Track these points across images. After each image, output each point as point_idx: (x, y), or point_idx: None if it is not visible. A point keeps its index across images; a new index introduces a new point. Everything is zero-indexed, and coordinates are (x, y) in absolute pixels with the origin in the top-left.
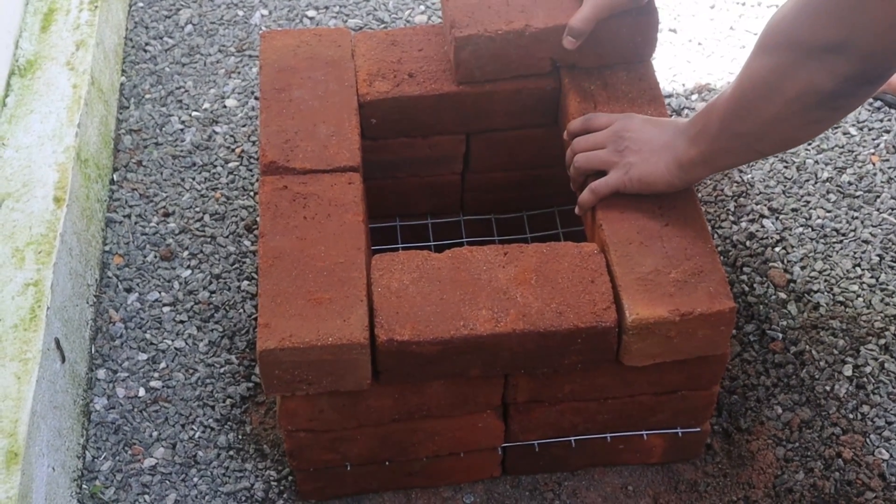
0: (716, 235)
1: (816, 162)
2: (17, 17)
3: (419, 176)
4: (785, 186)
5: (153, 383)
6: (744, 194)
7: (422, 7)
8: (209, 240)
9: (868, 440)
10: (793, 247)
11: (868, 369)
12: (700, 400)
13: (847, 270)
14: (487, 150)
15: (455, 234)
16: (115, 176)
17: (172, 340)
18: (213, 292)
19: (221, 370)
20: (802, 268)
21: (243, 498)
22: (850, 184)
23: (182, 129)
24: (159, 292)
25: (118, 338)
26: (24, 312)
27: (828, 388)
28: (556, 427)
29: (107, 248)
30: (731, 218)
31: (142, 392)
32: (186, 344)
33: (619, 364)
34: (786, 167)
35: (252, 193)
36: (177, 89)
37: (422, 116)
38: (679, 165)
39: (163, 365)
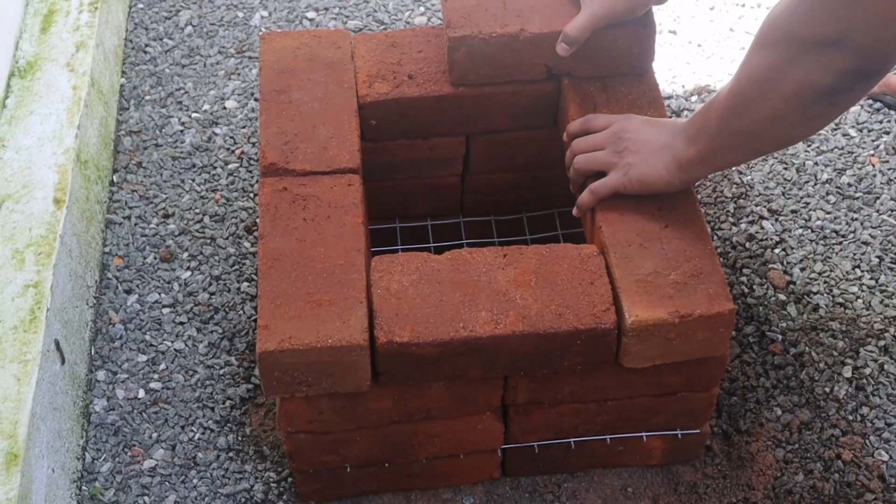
0: (715, 237)
1: (816, 163)
2: (17, 18)
3: (419, 177)
4: (784, 188)
5: (153, 385)
6: (743, 196)
7: (422, 8)
8: (209, 241)
9: (868, 442)
10: (792, 248)
11: (868, 371)
12: (700, 402)
13: (847, 272)
14: (487, 152)
15: (455, 236)
16: (114, 177)
17: (172, 342)
18: (212, 294)
19: (221, 372)
20: (802, 269)
21: (243, 499)
22: (849, 185)
23: (182, 131)
24: (159, 294)
25: (118, 339)
26: (24, 314)
27: (827, 389)
28: (556, 429)
29: (106, 250)
30: (731, 219)
31: (141, 393)
32: (186, 345)
33: (619, 366)
34: (785, 169)
35: (252, 195)
36: (177, 91)
37: (421, 118)
38: (678, 165)
39: (162, 366)
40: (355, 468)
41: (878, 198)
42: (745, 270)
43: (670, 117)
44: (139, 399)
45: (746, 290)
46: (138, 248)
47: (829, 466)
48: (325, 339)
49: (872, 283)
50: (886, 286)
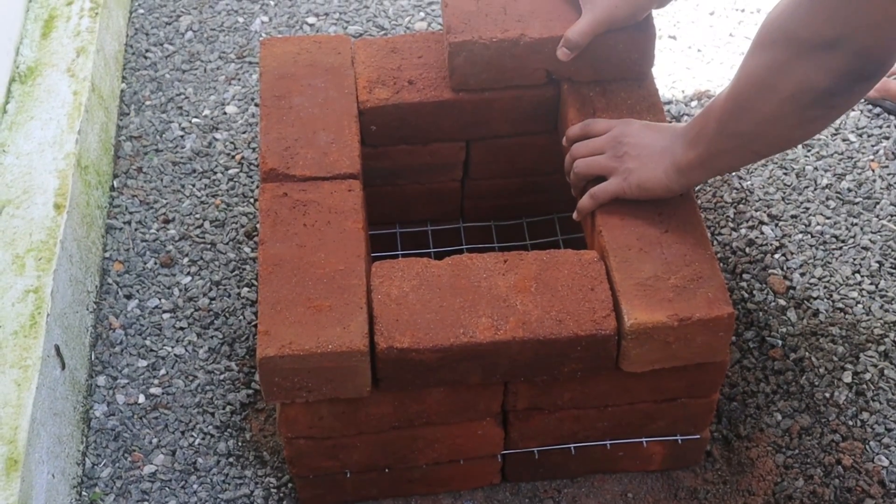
0: (715, 242)
1: (816, 168)
2: (18, 23)
3: (419, 183)
4: (784, 193)
5: (153, 390)
6: (743, 201)
7: (422, 14)
8: (209, 246)
9: (868, 447)
10: (792, 253)
11: (867, 376)
12: (700, 407)
13: (846, 277)
14: (487, 157)
15: (455, 241)
16: (115, 182)
17: (172, 347)
18: (213, 299)
19: (221, 377)
20: (802, 274)
21: None
22: (849, 190)
23: (182, 136)
24: (159, 299)
25: (118, 344)
26: (25, 319)
27: (827, 394)
28: (556, 434)
29: (107, 255)
30: (731, 224)
31: (142, 399)
32: (186, 350)
33: (619, 371)
34: (785, 174)
35: (252, 200)
36: (177, 96)
37: (421, 123)
38: (677, 169)
39: (163, 371)
40: (355, 474)
41: (877, 203)
42: (745, 275)
43: (669, 122)
44: (139, 404)
45: (746, 296)
46: (139, 253)
47: (830, 472)
48: (326, 345)
49: (872, 288)
50: (886, 291)
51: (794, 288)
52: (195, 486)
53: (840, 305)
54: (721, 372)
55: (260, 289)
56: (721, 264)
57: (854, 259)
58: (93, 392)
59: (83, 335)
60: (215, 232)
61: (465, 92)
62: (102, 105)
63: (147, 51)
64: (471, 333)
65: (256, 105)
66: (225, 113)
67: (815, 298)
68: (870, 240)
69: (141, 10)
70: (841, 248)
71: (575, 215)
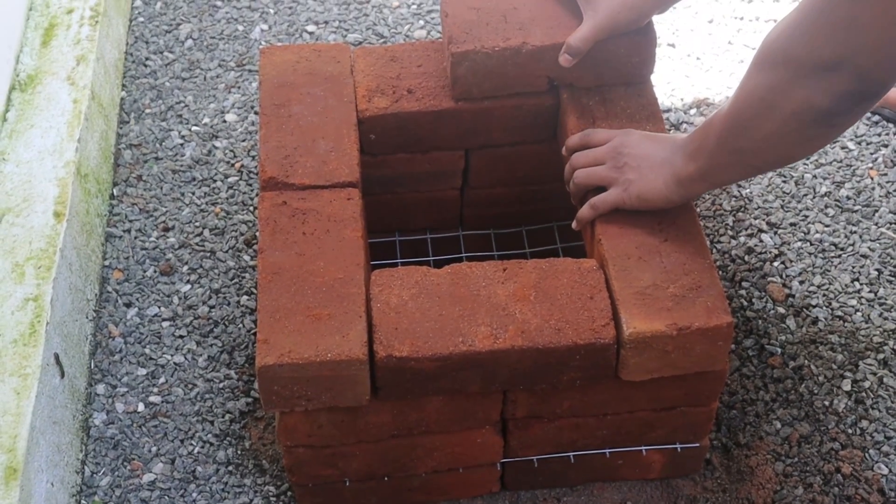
0: (714, 250)
1: (815, 176)
2: (18, 31)
3: (418, 191)
4: (783, 201)
5: (152, 398)
6: (742, 209)
7: (421, 22)
8: (209, 255)
9: (867, 455)
10: (791, 261)
11: (867, 384)
12: (699, 415)
13: (845, 285)
14: (486, 166)
15: (454, 250)
16: (115, 191)
17: (172, 355)
18: (212, 307)
19: (220, 385)
20: (801, 282)
21: None
22: (848, 198)
23: (182, 144)
24: (159, 307)
25: (117, 353)
26: (24, 327)
27: (827, 402)
28: (555, 443)
29: (106, 263)
30: (730, 233)
31: (141, 407)
32: (186, 359)
33: (618, 380)
34: (784, 182)
35: (252, 208)
36: (177, 104)
37: (421, 132)
38: (677, 181)
39: (162, 380)
40: (354, 482)
41: (876, 211)
42: (744, 283)
43: (669, 131)
44: (138, 413)
45: (745, 304)
46: (138, 261)
47: (829, 480)
48: (325, 354)
49: (871, 296)
50: (885, 299)
51: (793, 296)
52: (194, 495)
53: (839, 313)
54: (720, 380)
55: (259, 297)
56: (720, 272)
57: (853, 267)
58: (92, 400)
59: (82, 343)
60: (215, 240)
61: (465, 101)
62: (102, 113)
63: (147, 59)
64: (470, 342)
65: (256, 113)
66: (225, 121)
67: (814, 306)
68: (869, 248)
69: (141, 19)
70: (840, 256)
71: (574, 224)
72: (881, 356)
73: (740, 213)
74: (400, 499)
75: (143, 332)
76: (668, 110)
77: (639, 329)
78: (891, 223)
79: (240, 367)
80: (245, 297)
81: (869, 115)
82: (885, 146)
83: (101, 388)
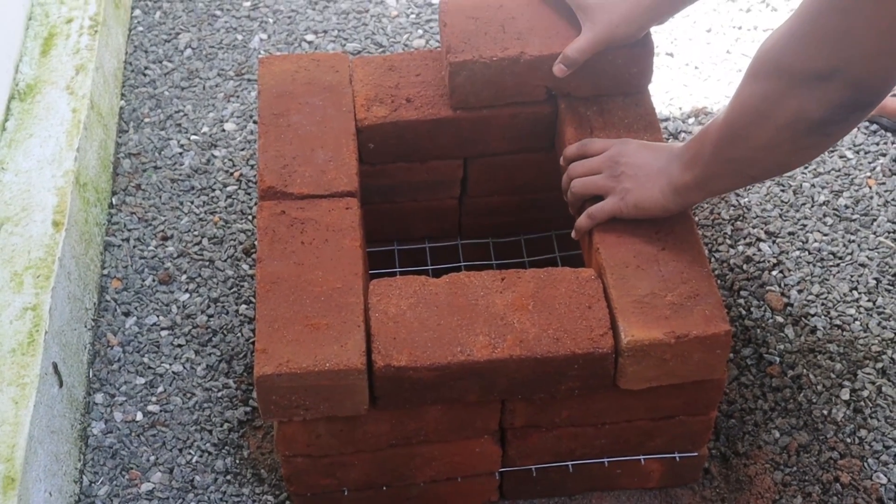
0: (713, 259)
1: (813, 185)
2: (18, 41)
3: (417, 200)
4: (782, 210)
5: (151, 407)
6: (741, 218)
7: (420, 31)
8: (207, 263)
9: (866, 464)
10: (790, 270)
11: (865, 393)
12: (697, 424)
13: (844, 294)
14: (485, 175)
15: (453, 259)
16: (113, 200)
17: (170, 364)
18: (211, 316)
19: (219, 394)
20: (799, 291)
21: None
22: (846, 207)
23: (181, 153)
24: (157, 316)
25: (116, 362)
26: (22, 337)
27: (825, 412)
28: (554, 452)
29: (105, 272)
30: (728, 241)
31: (139, 416)
32: (184, 368)
33: (617, 389)
34: (782, 191)
35: (250, 217)
36: (176, 113)
37: (419, 141)
38: (674, 190)
39: (160, 389)
40: (353, 491)
41: (875, 220)
42: (742, 292)
43: (667, 140)
44: (137, 422)
45: (744, 312)
46: (137, 270)
47: (828, 489)
48: (323, 363)
49: (870, 305)
50: (884, 308)
51: (791, 305)
52: None
53: (838, 322)
54: (718, 389)
55: (257, 307)
56: (718, 281)
57: (851, 276)
58: (90, 409)
59: (81, 353)
60: (214, 249)
61: (463, 110)
62: (101, 122)
63: (146, 68)
64: (468, 351)
65: (255, 122)
66: (223, 130)
67: (812, 315)
68: (867, 256)
69: (140, 28)
70: (838, 264)
71: (573, 234)
72: (880, 365)
73: (739, 222)
74: None
75: (141, 341)
76: (667, 119)
77: (637, 337)
78: (889, 232)
79: (238, 377)
80: (244, 306)
81: (867, 123)
82: (884, 155)
83: (99, 398)
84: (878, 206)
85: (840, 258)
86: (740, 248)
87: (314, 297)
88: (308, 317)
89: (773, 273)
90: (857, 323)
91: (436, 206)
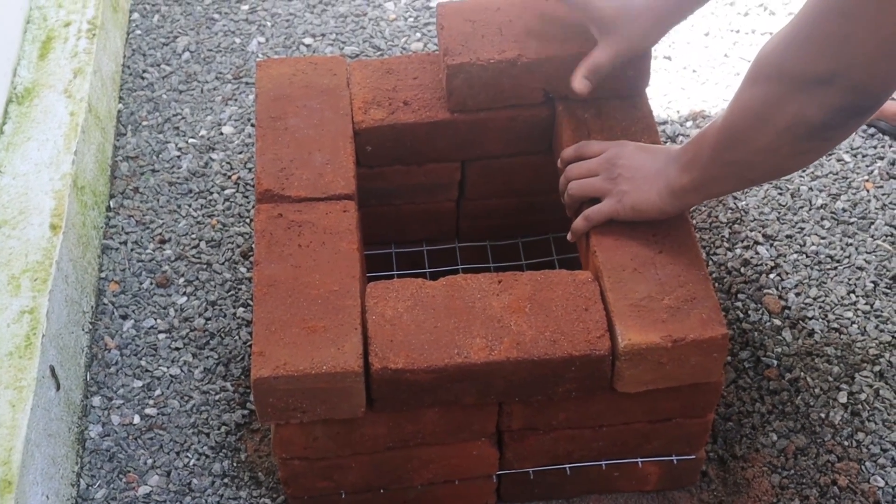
0: (710, 262)
1: (810, 188)
2: (16, 44)
3: (414, 203)
4: (779, 213)
5: (148, 410)
6: (738, 221)
7: (418, 35)
8: (205, 266)
9: (863, 467)
10: (787, 273)
11: (863, 396)
12: (695, 427)
13: (842, 297)
14: (482, 178)
15: (451, 261)
16: (111, 203)
17: (168, 367)
18: (208, 319)
19: (216, 397)
20: (797, 294)
21: None
22: (844, 210)
23: (179, 156)
24: (155, 319)
25: (113, 365)
26: (20, 340)
27: (823, 415)
28: (551, 454)
29: (103, 275)
30: (726, 244)
31: (137, 419)
32: (182, 371)
33: (614, 392)
34: (780, 194)
35: (248, 220)
36: (174, 116)
37: (417, 144)
38: (671, 192)
39: (158, 392)
40: (350, 494)
41: (872, 223)
42: (740, 295)
43: (665, 143)
44: (134, 425)
45: (741, 316)
46: (134, 273)
47: (825, 492)
48: (320, 366)
49: (867, 308)
50: (881, 311)
51: (789, 308)
52: None
53: (835, 325)
54: (716, 392)
55: (254, 309)
56: (716, 284)
57: (849, 279)
58: (88, 413)
59: (78, 356)
60: (211, 252)
61: (461, 112)
62: (99, 125)
63: (144, 71)
64: (465, 354)
65: (253, 125)
66: (221, 133)
67: (810, 318)
68: (865, 260)
69: (138, 31)
70: (836, 268)
71: (569, 236)
72: (877, 368)
73: (736, 225)
74: None
75: (139, 344)
76: (665, 123)
77: (634, 341)
78: (886, 235)
79: (236, 380)
80: (241, 309)
81: (865, 127)
82: (881, 158)
83: (96, 401)
84: (876, 209)
85: (837, 261)
86: (738, 251)
87: (311, 299)
88: (305, 319)
89: (771, 276)
90: (855, 326)
91: (433, 209)
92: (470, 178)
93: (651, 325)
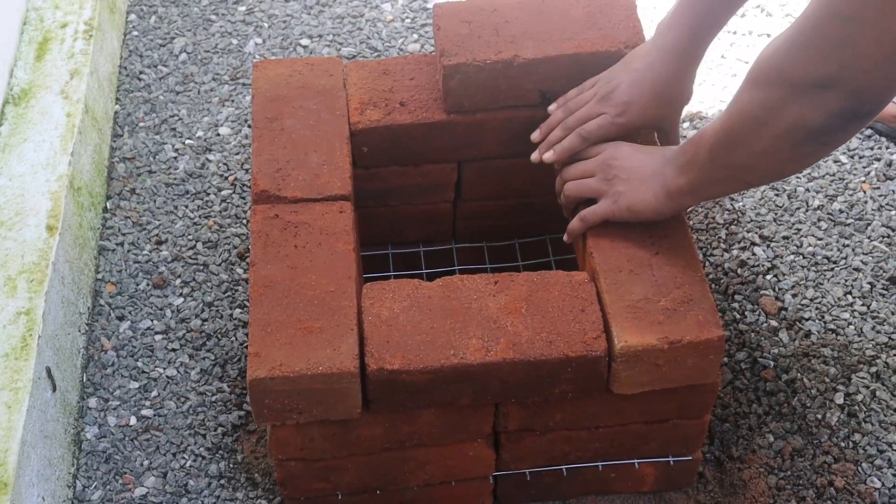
0: (707, 263)
1: (807, 190)
2: (13, 45)
3: (411, 204)
4: (776, 214)
5: (144, 412)
6: (735, 222)
7: (415, 36)
8: (202, 268)
9: (860, 468)
10: (784, 274)
11: (859, 397)
12: (691, 428)
13: (838, 298)
14: (479, 179)
15: (447, 262)
16: (108, 204)
17: (164, 369)
18: (205, 320)
19: (213, 398)
20: (794, 295)
21: None
22: (841, 211)
23: (175, 157)
24: (151, 320)
25: (110, 366)
26: (16, 341)
27: (819, 416)
28: (548, 455)
29: (99, 276)
30: (723, 246)
31: (133, 421)
32: (178, 372)
33: (610, 393)
34: (777, 195)
35: (245, 221)
36: (170, 117)
37: (413, 145)
38: (667, 194)
39: (154, 393)
40: (347, 495)
41: (869, 224)
42: (736, 297)
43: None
44: (131, 426)
45: (738, 317)
46: (131, 274)
47: (822, 493)
48: (316, 367)
49: (864, 309)
50: (878, 312)
51: (785, 309)
52: None
53: (832, 326)
54: (712, 394)
55: (251, 310)
56: (713, 285)
57: (846, 280)
58: (84, 414)
59: (75, 357)
60: (208, 253)
61: (457, 113)
62: (96, 127)
63: (141, 72)
64: (461, 355)
65: (250, 126)
66: (218, 134)
67: (806, 319)
68: (861, 261)
69: (135, 33)
70: (833, 269)
71: (565, 237)
72: (874, 369)
73: (733, 227)
74: None
75: (135, 345)
76: None
77: (630, 343)
78: (883, 236)
79: (232, 381)
80: (238, 310)
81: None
82: (878, 160)
83: (93, 402)
84: (873, 210)
85: (834, 262)
86: (735, 252)
87: (307, 300)
88: (301, 320)
89: (768, 277)
90: (852, 327)
91: (430, 210)
92: (466, 179)
93: (647, 327)
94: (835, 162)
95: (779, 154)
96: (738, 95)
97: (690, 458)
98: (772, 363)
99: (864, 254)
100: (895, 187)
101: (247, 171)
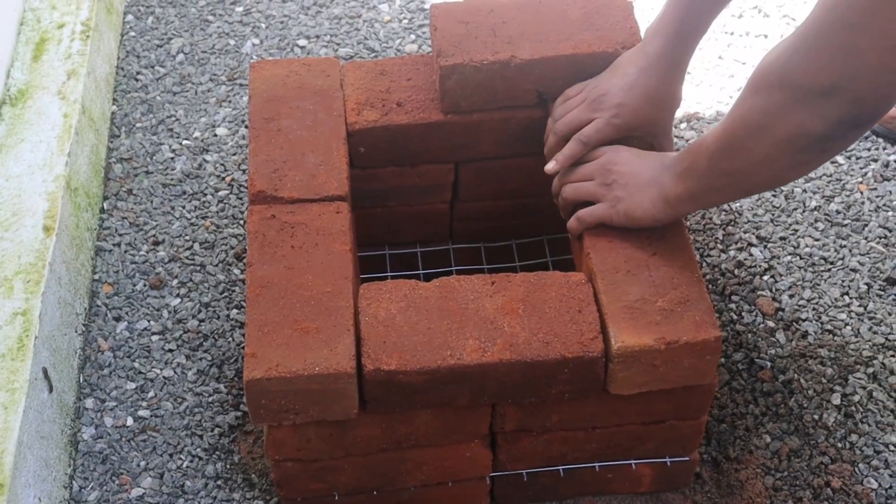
0: (704, 264)
1: (804, 190)
2: (9, 46)
3: (408, 204)
4: (773, 215)
5: (141, 412)
6: (732, 223)
7: (412, 37)
8: (199, 268)
9: (857, 469)
10: (781, 275)
11: (856, 398)
12: (688, 429)
13: (835, 299)
14: (476, 179)
15: (444, 263)
16: (105, 204)
17: (161, 369)
18: (202, 321)
19: (210, 399)
20: (791, 296)
21: None
22: (837, 212)
23: (172, 158)
24: (148, 321)
25: (106, 367)
26: (12, 342)
27: (816, 416)
28: (545, 456)
29: (96, 277)
30: (720, 246)
31: (130, 421)
32: (175, 373)
33: (607, 393)
34: (774, 196)
35: (242, 222)
36: (168, 118)
37: (410, 145)
38: (665, 201)
39: (151, 394)
40: (343, 496)
41: (866, 225)
42: (733, 297)
43: None
44: (127, 427)
45: (735, 317)
46: (128, 275)
47: (819, 494)
48: (313, 367)
49: (861, 310)
50: (875, 313)
51: (782, 310)
52: None
53: (829, 327)
54: (709, 394)
55: (247, 311)
56: (710, 286)
57: (843, 281)
58: (81, 415)
59: (71, 357)
60: (205, 254)
61: (454, 114)
62: (93, 127)
63: (138, 73)
64: (458, 355)
65: (247, 127)
66: (215, 135)
67: (803, 320)
68: (858, 262)
69: (132, 33)
70: (830, 270)
71: (569, 232)
72: (871, 370)
73: (730, 227)
74: None
75: (132, 346)
76: None
77: (627, 343)
78: (880, 237)
79: (229, 381)
80: (235, 311)
81: None
82: (875, 161)
83: (89, 403)
84: (870, 211)
85: (831, 263)
86: (732, 252)
87: (304, 300)
88: (298, 321)
89: (765, 278)
90: (849, 328)
91: (427, 211)
92: (464, 180)
93: (644, 328)
94: (832, 163)
95: (778, 161)
96: (739, 102)
97: (687, 458)
98: (769, 364)
99: (860, 255)
100: (892, 188)
101: (244, 171)
